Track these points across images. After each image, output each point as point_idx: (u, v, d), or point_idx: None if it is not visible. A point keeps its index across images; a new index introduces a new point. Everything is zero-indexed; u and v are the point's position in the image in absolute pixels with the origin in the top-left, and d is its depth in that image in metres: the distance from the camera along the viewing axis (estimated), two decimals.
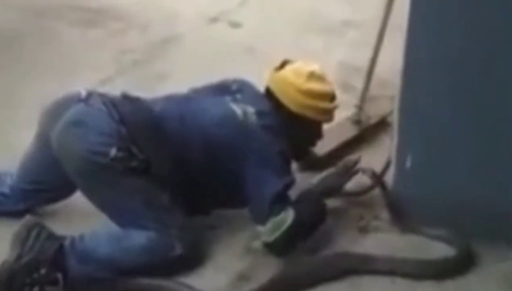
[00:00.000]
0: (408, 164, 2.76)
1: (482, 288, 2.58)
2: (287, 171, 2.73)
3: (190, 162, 2.67)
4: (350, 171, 2.90)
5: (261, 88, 2.86)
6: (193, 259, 2.61)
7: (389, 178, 2.88)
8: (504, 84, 2.61)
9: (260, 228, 2.63)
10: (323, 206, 2.75)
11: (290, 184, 2.69)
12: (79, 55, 4.08)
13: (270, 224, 2.60)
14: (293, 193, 2.73)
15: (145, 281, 2.50)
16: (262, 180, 2.64)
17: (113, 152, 2.53)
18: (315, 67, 2.84)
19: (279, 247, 2.63)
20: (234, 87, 2.82)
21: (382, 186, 2.91)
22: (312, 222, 2.69)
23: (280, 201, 2.63)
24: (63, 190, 2.77)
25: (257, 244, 2.71)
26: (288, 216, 2.60)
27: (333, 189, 2.88)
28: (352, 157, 2.99)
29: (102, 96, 2.70)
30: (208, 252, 2.69)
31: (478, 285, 2.59)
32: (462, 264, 2.66)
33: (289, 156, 2.77)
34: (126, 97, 2.76)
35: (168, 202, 2.61)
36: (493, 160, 2.69)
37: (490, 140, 2.67)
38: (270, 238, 2.61)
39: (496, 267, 2.67)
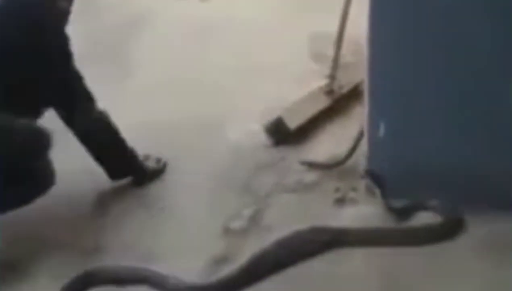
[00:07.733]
0: (381, 131, 2.71)
1: (467, 253, 2.49)
2: None
3: None
4: None
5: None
6: None
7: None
8: (475, 47, 2.53)
9: None
10: None
11: None
12: None
13: None
14: None
15: None
16: None
17: None
18: None
19: None
20: None
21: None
22: None
23: None
24: None
25: (235, 224, 2.68)
26: None
27: None
28: None
29: None
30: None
31: (465, 250, 2.51)
32: (448, 230, 2.59)
33: None
34: None
35: None
36: (467, 124, 2.63)
37: (463, 103, 2.61)
38: None
39: (481, 231, 2.58)
